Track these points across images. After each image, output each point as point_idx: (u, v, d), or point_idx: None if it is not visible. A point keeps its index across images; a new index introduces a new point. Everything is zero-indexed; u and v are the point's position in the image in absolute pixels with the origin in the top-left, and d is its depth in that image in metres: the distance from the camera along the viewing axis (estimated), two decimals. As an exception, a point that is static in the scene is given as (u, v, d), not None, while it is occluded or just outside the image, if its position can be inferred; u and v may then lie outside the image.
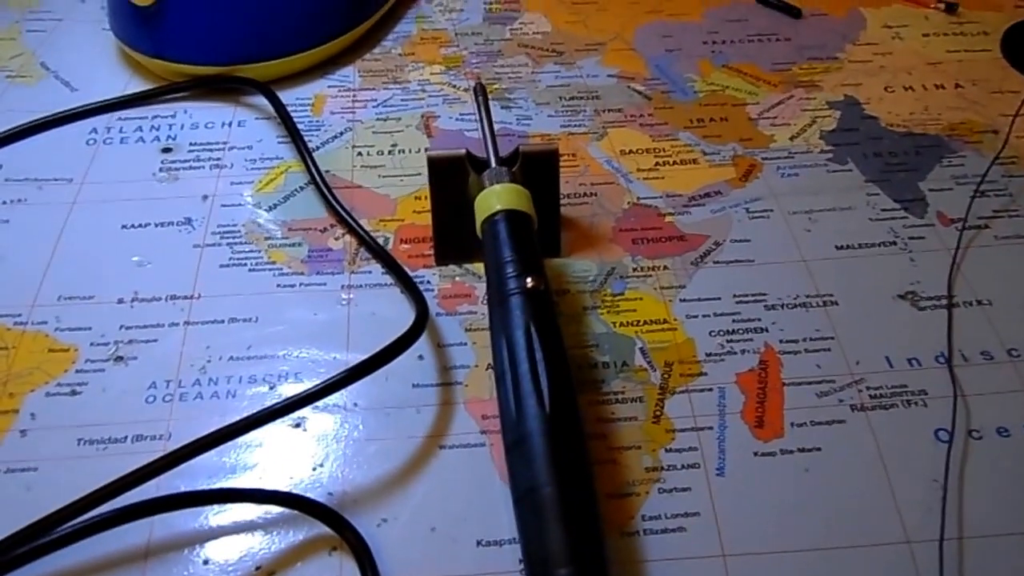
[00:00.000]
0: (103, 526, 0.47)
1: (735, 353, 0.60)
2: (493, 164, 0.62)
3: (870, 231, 0.68)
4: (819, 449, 0.55)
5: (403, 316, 0.60)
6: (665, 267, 0.65)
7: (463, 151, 0.62)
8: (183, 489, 0.52)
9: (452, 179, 0.63)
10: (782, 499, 0.52)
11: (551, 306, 0.55)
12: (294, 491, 0.52)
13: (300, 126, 0.76)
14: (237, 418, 0.52)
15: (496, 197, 0.59)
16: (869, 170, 0.72)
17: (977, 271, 0.64)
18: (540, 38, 0.88)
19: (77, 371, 0.58)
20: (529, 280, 0.54)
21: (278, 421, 0.54)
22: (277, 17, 0.79)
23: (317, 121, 0.78)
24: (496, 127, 0.72)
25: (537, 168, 0.63)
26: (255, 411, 0.52)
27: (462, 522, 0.51)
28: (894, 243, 0.67)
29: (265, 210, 0.69)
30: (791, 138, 0.76)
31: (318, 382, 0.53)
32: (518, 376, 0.50)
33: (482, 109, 0.65)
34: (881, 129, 0.76)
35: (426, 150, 0.74)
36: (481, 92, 0.66)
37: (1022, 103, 0.77)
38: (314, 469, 0.54)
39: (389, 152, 0.75)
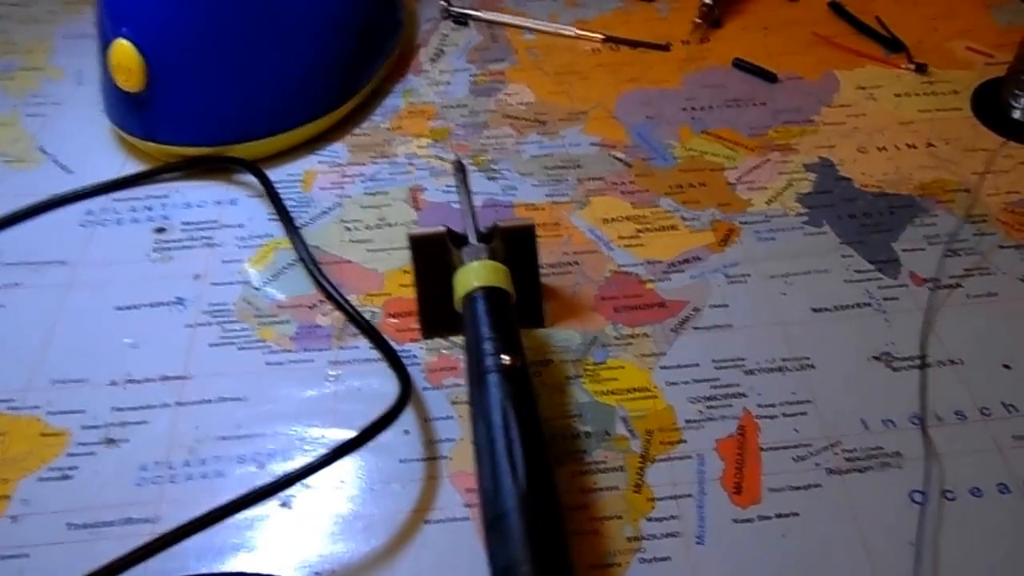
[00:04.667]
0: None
1: (714, 419, 0.60)
2: (472, 240, 0.62)
3: (845, 293, 0.67)
4: (796, 514, 0.54)
5: (390, 391, 0.60)
6: (646, 334, 0.65)
7: (443, 229, 0.62)
8: (172, 571, 0.51)
9: (434, 256, 0.62)
10: (760, 566, 0.52)
11: (528, 383, 0.54)
12: (281, 570, 0.52)
13: (290, 202, 0.76)
14: (226, 499, 0.51)
15: (474, 274, 0.59)
16: (844, 232, 0.72)
17: (949, 330, 0.64)
18: (524, 108, 0.88)
19: (68, 455, 0.58)
20: (506, 358, 0.54)
21: (266, 501, 0.54)
22: (265, 97, 0.79)
23: (307, 197, 0.78)
24: (482, 197, 0.73)
25: (515, 243, 0.63)
26: (243, 492, 0.51)
27: (445, 598, 0.51)
28: (869, 304, 0.66)
29: (255, 288, 0.69)
30: (768, 202, 0.76)
31: (305, 460, 0.53)
32: (494, 454, 0.50)
33: (462, 186, 0.65)
34: (855, 190, 0.76)
35: (413, 222, 0.74)
36: (460, 169, 0.66)
37: (990, 161, 0.77)
38: (300, 548, 0.53)
39: (377, 226, 0.75)
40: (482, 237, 0.62)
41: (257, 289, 0.69)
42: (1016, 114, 0.82)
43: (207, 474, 0.57)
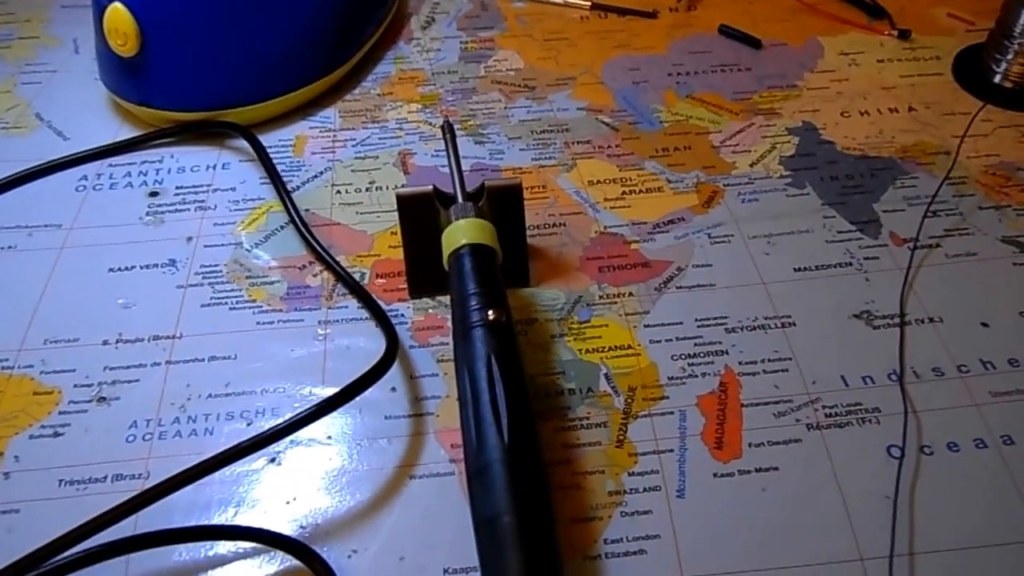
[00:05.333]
0: (79, 564, 0.46)
1: (696, 376, 0.59)
2: (460, 199, 0.61)
3: (827, 253, 0.67)
4: (776, 468, 0.54)
5: (378, 349, 0.59)
6: (630, 294, 0.64)
7: (430, 188, 0.61)
8: (160, 526, 0.50)
9: (421, 215, 0.62)
10: (740, 519, 0.51)
11: (513, 338, 0.54)
12: (268, 525, 0.51)
13: (282, 167, 0.75)
14: (213, 454, 0.51)
15: (461, 232, 0.58)
16: (826, 193, 0.71)
17: (928, 289, 0.63)
18: (513, 74, 0.87)
19: (60, 413, 0.58)
20: (491, 312, 0.53)
21: (255, 456, 0.54)
22: (258, 63, 0.79)
23: (298, 161, 0.77)
24: (469, 162, 0.72)
25: (502, 202, 0.62)
26: (230, 447, 0.51)
27: (430, 550, 0.50)
28: (850, 264, 0.66)
29: (247, 249, 0.68)
30: (751, 164, 0.75)
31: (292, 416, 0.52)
32: (479, 407, 0.49)
33: (449, 146, 0.64)
34: (837, 153, 0.76)
35: (402, 186, 0.73)
36: (448, 130, 0.65)
37: (970, 123, 0.76)
38: (287, 503, 0.53)
39: (367, 189, 0.74)
40: (469, 197, 0.61)
41: (248, 251, 0.68)
42: (996, 78, 0.81)
43: (197, 431, 0.57)
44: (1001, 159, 0.74)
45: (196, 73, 0.77)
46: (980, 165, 0.73)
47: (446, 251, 0.58)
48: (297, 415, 0.52)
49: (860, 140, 0.77)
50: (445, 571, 0.50)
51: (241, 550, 0.50)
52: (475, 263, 0.56)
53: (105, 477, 0.54)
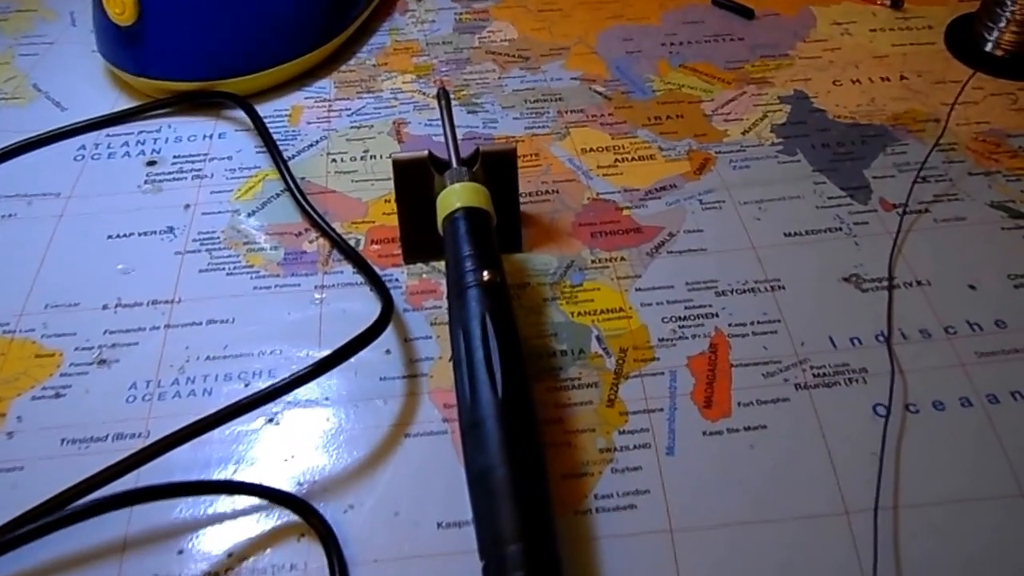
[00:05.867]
0: (82, 516, 0.48)
1: (687, 338, 0.60)
2: (454, 164, 0.62)
3: (817, 218, 0.68)
4: (764, 427, 0.55)
5: (373, 312, 0.60)
6: (622, 258, 0.65)
7: (425, 153, 0.62)
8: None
9: (416, 180, 0.62)
10: (728, 475, 0.53)
11: (507, 298, 0.55)
12: (267, 482, 0.53)
13: (277, 136, 0.76)
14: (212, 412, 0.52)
15: (455, 195, 0.59)
16: (817, 160, 0.72)
17: (917, 253, 0.64)
18: (507, 45, 0.88)
19: (62, 375, 0.59)
20: (486, 273, 0.54)
21: (254, 416, 0.55)
22: (255, 33, 0.79)
23: (294, 131, 0.78)
24: (463, 130, 0.73)
25: (496, 167, 0.63)
26: (228, 405, 0.52)
27: (424, 505, 0.52)
28: (839, 229, 0.67)
29: (243, 217, 0.69)
30: (743, 132, 0.76)
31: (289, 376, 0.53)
32: (473, 364, 0.50)
33: (444, 113, 0.65)
34: (829, 121, 0.77)
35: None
36: (444, 96, 0.66)
37: (960, 91, 0.77)
38: (285, 461, 0.54)
39: (361, 158, 0.75)
40: (464, 162, 0.62)
41: (245, 218, 0.69)
42: (988, 47, 0.82)
43: (195, 392, 0.58)
44: (991, 126, 0.75)
45: (193, 43, 0.78)
46: (970, 132, 0.75)
47: (441, 215, 0.60)
48: (293, 375, 0.53)
49: (851, 108, 0.78)
50: (438, 525, 0.51)
51: (240, 506, 0.52)
52: (470, 226, 0.58)
53: (106, 436, 0.55)
